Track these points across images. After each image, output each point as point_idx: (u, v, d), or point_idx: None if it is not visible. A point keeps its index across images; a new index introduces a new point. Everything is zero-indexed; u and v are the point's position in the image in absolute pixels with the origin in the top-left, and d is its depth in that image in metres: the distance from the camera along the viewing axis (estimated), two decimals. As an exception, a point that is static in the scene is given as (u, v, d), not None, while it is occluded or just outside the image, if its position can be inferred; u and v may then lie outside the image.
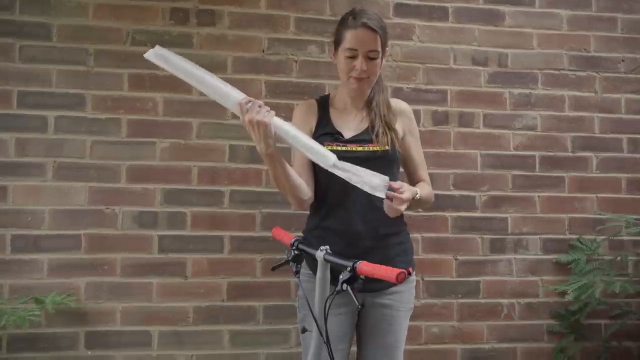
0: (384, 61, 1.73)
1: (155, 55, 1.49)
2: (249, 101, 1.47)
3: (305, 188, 1.66)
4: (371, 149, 1.66)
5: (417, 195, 1.58)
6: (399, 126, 1.74)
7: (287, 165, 1.59)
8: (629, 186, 2.61)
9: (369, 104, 1.74)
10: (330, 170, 1.50)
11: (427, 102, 2.50)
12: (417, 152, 1.82)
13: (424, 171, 1.83)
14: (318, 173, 1.69)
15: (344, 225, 1.64)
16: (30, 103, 2.26)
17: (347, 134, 1.70)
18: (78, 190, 2.27)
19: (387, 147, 1.66)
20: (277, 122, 1.50)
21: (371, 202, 1.61)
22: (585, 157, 2.60)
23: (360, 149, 1.66)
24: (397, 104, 1.81)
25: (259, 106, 1.48)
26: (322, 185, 1.70)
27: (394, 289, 1.66)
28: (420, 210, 2.42)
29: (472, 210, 2.50)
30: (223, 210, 2.35)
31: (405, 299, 1.71)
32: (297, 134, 1.51)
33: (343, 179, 1.49)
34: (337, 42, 1.68)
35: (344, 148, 1.65)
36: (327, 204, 1.69)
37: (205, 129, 2.36)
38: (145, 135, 2.33)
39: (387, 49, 1.71)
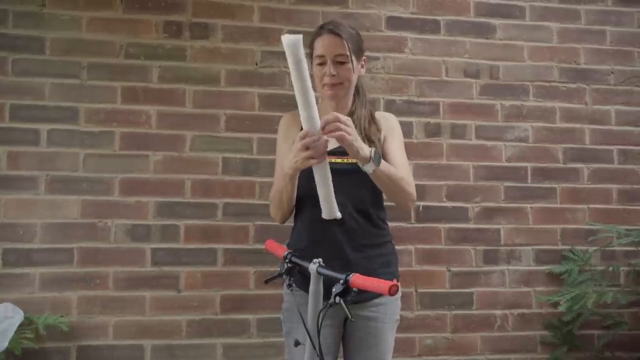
0: (362, 70, 1.73)
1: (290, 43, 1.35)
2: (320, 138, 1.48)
3: (293, 204, 1.71)
4: (350, 161, 1.62)
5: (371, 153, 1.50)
6: (382, 134, 1.73)
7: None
8: (619, 197, 2.63)
9: (351, 117, 1.69)
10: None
11: (420, 114, 2.52)
12: (395, 153, 1.72)
13: (403, 171, 1.70)
14: (296, 183, 1.67)
15: (323, 236, 1.63)
16: (23, 116, 2.26)
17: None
18: (70, 203, 2.26)
19: None
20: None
21: (350, 213, 1.62)
22: (576, 168, 2.62)
23: (339, 160, 1.63)
24: (383, 116, 1.81)
25: (327, 140, 1.48)
26: (301, 196, 1.69)
27: (377, 300, 1.64)
28: (413, 221, 2.45)
29: (465, 222, 2.51)
30: (216, 223, 2.34)
31: (390, 311, 1.69)
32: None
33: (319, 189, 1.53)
34: (310, 56, 1.68)
35: None
36: (305, 215, 1.69)
37: (198, 141, 2.36)
38: (138, 148, 2.33)
39: (363, 57, 1.72)
